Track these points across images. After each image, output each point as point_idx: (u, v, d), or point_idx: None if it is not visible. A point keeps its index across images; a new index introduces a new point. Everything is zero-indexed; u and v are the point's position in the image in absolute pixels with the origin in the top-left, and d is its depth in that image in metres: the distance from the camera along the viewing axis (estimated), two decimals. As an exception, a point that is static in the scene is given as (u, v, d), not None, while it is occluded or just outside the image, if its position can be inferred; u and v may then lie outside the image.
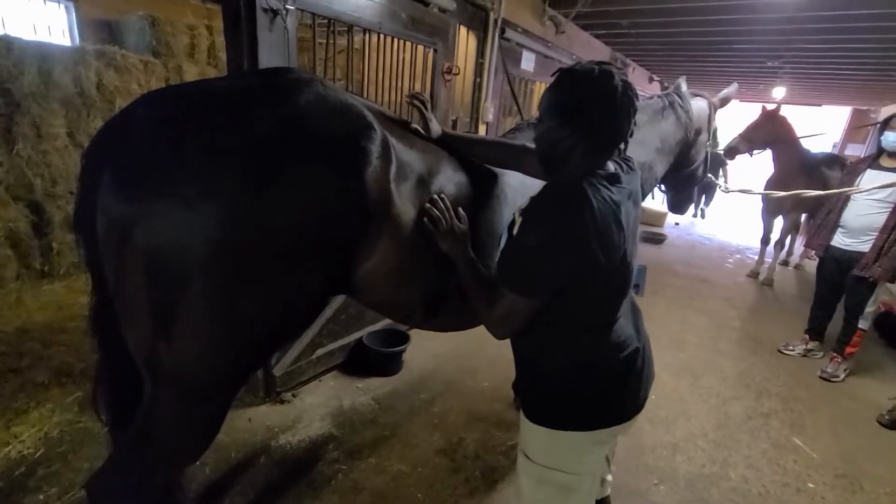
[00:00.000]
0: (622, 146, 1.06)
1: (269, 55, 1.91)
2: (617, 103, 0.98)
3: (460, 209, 1.29)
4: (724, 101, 2.36)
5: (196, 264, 0.95)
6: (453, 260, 1.23)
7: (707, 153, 2.33)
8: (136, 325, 1.03)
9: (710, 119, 2.29)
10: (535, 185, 1.31)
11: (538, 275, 1.02)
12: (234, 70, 1.96)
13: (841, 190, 2.94)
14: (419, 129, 1.40)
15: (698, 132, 2.26)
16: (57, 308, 3.18)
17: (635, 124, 1.03)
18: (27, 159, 3.41)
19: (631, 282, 1.14)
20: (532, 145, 1.24)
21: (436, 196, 1.24)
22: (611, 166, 1.08)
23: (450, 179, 1.37)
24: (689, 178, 2.37)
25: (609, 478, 1.48)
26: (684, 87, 2.25)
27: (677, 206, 2.59)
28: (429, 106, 1.48)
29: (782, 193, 2.92)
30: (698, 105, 2.25)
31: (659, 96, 2.18)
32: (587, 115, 0.98)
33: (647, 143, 2.04)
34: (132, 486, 1.11)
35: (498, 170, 1.51)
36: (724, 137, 2.62)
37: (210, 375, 1.09)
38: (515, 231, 1.06)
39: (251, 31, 1.86)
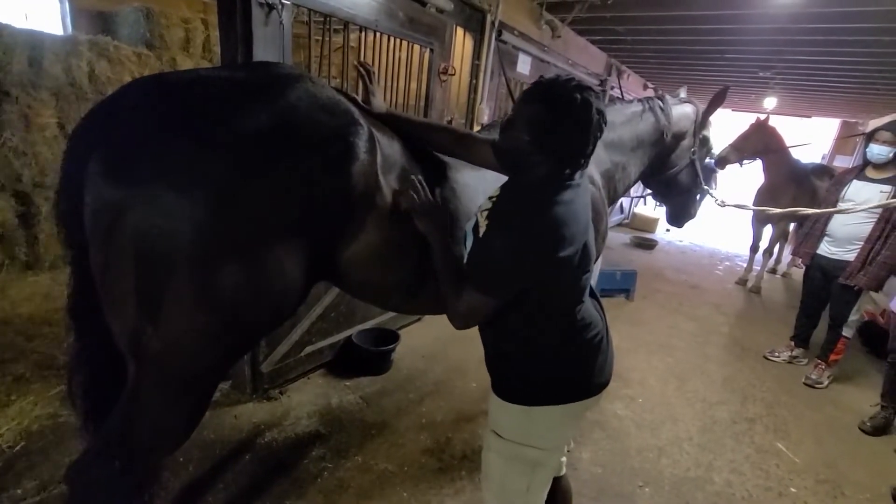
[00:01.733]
0: (587, 158, 1.09)
1: (264, 50, 1.90)
2: (592, 132, 1.02)
3: (437, 192, 1.29)
4: (711, 109, 2.33)
5: (184, 249, 0.96)
6: (430, 242, 1.22)
7: (693, 161, 2.34)
8: (122, 310, 1.02)
9: (696, 125, 2.29)
10: (491, 182, 1.35)
11: (503, 278, 1.07)
12: (227, 64, 1.94)
13: (839, 210, 2.95)
14: (357, 98, 1.37)
15: (678, 136, 2.26)
16: (41, 300, 3.13)
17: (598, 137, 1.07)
18: (14, 149, 3.36)
19: (592, 268, 1.19)
20: (484, 136, 1.29)
21: (413, 178, 1.23)
22: None
23: (427, 169, 1.40)
24: (673, 184, 2.38)
25: (564, 459, 1.50)
26: (683, 94, 2.30)
27: (675, 219, 2.60)
28: (374, 79, 1.45)
29: (778, 210, 2.93)
30: (682, 110, 2.26)
31: (640, 100, 2.20)
32: (561, 141, 1.03)
33: (622, 143, 2.09)
34: (112, 475, 1.10)
35: (452, 164, 1.49)
36: (715, 147, 2.61)
37: (195, 361, 1.10)
38: (481, 234, 1.12)
39: (246, 26, 1.84)
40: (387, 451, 2.18)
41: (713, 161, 2.77)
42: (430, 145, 1.45)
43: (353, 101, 1.32)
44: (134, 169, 0.95)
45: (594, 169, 1.98)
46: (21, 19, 3.90)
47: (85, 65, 3.62)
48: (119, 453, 1.10)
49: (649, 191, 2.55)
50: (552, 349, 1.18)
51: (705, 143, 2.40)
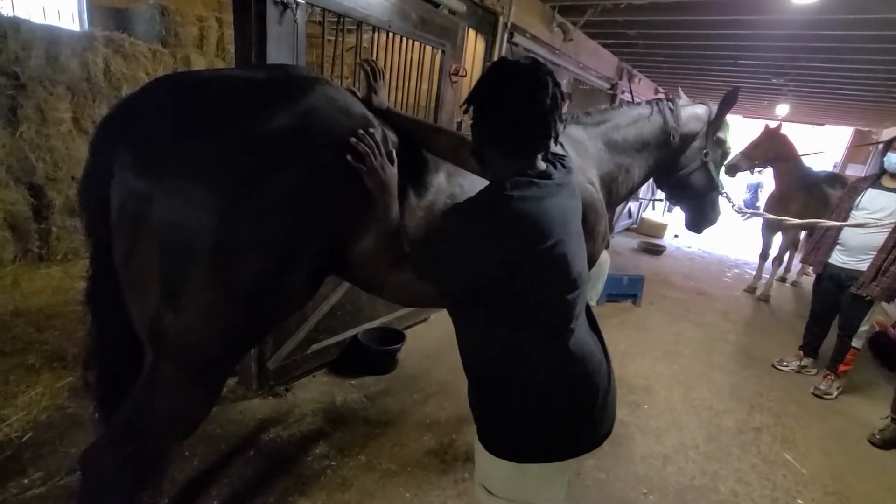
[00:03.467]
0: (547, 144, 1.00)
1: (278, 49, 1.91)
2: (537, 98, 0.93)
3: (392, 149, 1.21)
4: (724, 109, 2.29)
5: (206, 239, 1.01)
6: (374, 200, 1.15)
7: (706, 162, 2.31)
8: (143, 297, 1.07)
9: (708, 126, 2.26)
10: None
11: (440, 267, 1.03)
12: (241, 62, 1.96)
13: (859, 223, 2.93)
14: (356, 92, 1.37)
15: (688, 138, 2.23)
16: (53, 292, 3.16)
17: (564, 123, 1.02)
18: (30, 142, 3.41)
19: (583, 282, 1.07)
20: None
21: (362, 131, 1.15)
22: (542, 165, 1.03)
23: (435, 171, 1.41)
24: (685, 187, 2.35)
25: None
26: (682, 96, 2.28)
27: (694, 224, 2.55)
28: (378, 76, 1.43)
29: (798, 221, 2.91)
30: (692, 111, 2.24)
31: (648, 101, 2.19)
32: (508, 125, 0.96)
33: (626, 144, 2.09)
34: (124, 459, 1.13)
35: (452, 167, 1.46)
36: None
37: (210, 348, 1.14)
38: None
39: (261, 24, 1.86)
40: (390, 450, 2.18)
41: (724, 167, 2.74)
42: (426, 145, 1.42)
43: (355, 95, 1.33)
44: (161, 162, 1.00)
45: (594, 170, 1.98)
46: (38, 14, 3.95)
47: (101, 60, 3.67)
48: (132, 439, 1.13)
49: (661, 194, 2.52)
50: (539, 387, 1.04)
51: (720, 144, 2.35)
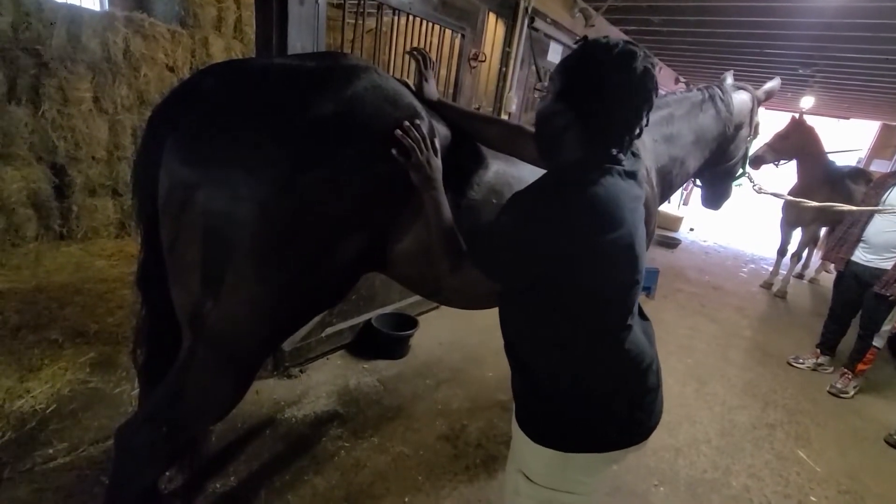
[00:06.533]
0: (631, 138, 0.95)
1: (299, 31, 1.90)
2: (640, 101, 0.89)
3: (437, 142, 1.16)
4: (769, 95, 2.26)
5: (249, 229, 1.01)
6: (422, 198, 1.12)
7: (747, 148, 2.25)
8: (185, 283, 1.09)
9: (752, 113, 2.20)
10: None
11: (505, 260, 0.95)
12: (262, 44, 1.95)
13: (877, 209, 2.85)
14: (410, 84, 1.34)
15: (738, 127, 2.16)
16: (74, 269, 3.23)
17: (647, 117, 0.94)
18: (52, 121, 3.44)
19: (641, 282, 1.02)
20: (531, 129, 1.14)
21: (408, 123, 1.12)
22: (614, 151, 0.97)
23: (484, 166, 1.37)
24: (726, 173, 2.30)
25: None
26: (729, 81, 2.18)
27: (713, 200, 2.47)
28: (429, 64, 1.38)
29: (814, 204, 2.83)
30: (741, 98, 2.16)
31: (699, 89, 2.10)
32: (603, 108, 0.90)
33: (681, 136, 1.99)
34: (158, 438, 1.16)
35: (505, 158, 1.40)
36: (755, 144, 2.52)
37: (248, 335, 1.15)
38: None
39: (282, 6, 1.85)
40: (403, 434, 2.21)
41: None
42: (478, 137, 1.37)
43: (408, 87, 1.30)
44: (206, 151, 1.01)
45: (651, 164, 1.88)
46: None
47: (121, 41, 3.67)
48: (167, 419, 1.16)
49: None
50: (594, 379, 1.02)
51: (757, 128, 2.30)
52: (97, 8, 4.16)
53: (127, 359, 2.31)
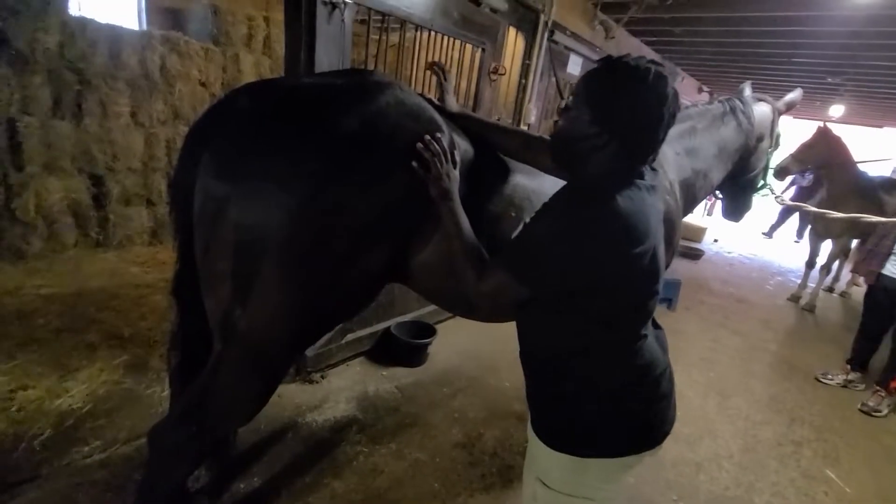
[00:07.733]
0: (654, 156, 0.99)
1: (326, 48, 1.98)
2: (665, 113, 0.92)
3: (456, 154, 1.20)
4: (789, 107, 2.25)
5: (278, 241, 1.06)
6: (440, 211, 1.15)
7: (768, 160, 2.24)
8: (216, 290, 1.15)
9: (773, 125, 2.19)
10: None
11: (539, 265, 0.96)
12: (290, 60, 2.04)
13: None
14: (433, 98, 1.39)
15: (760, 138, 2.15)
16: (110, 275, 3.38)
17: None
18: (92, 135, 3.64)
19: (660, 292, 1.06)
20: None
21: (428, 137, 1.16)
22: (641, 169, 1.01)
23: (504, 179, 1.40)
24: (748, 185, 2.29)
25: None
26: (748, 92, 2.18)
27: (734, 212, 2.45)
28: (448, 77, 1.44)
29: (839, 215, 2.77)
30: (761, 110, 2.15)
31: (720, 101, 2.10)
32: (628, 120, 0.93)
33: (704, 149, 1.99)
34: (188, 438, 1.22)
35: (527, 169, 1.43)
36: (777, 155, 2.50)
37: (275, 342, 1.21)
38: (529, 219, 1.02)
39: (310, 24, 1.93)
40: (420, 441, 2.24)
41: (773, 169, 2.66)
42: (500, 148, 1.40)
43: (430, 102, 1.35)
44: (238, 166, 1.07)
45: (674, 177, 1.89)
46: (102, 13, 4.20)
47: (157, 58, 3.87)
48: (196, 421, 1.22)
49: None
50: (610, 386, 1.04)
51: (778, 140, 2.30)
52: (136, 27, 4.39)
53: (158, 362, 2.42)
